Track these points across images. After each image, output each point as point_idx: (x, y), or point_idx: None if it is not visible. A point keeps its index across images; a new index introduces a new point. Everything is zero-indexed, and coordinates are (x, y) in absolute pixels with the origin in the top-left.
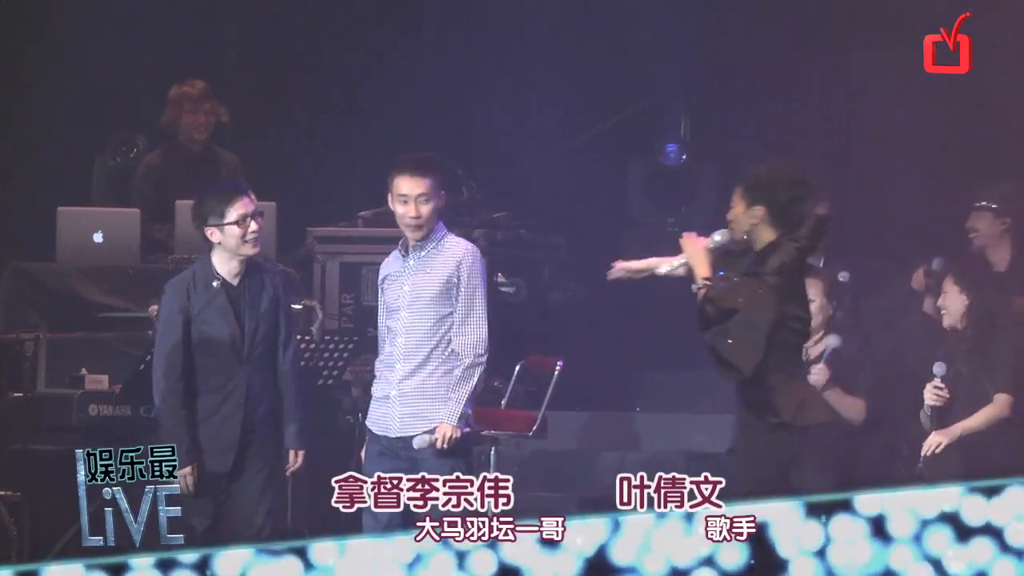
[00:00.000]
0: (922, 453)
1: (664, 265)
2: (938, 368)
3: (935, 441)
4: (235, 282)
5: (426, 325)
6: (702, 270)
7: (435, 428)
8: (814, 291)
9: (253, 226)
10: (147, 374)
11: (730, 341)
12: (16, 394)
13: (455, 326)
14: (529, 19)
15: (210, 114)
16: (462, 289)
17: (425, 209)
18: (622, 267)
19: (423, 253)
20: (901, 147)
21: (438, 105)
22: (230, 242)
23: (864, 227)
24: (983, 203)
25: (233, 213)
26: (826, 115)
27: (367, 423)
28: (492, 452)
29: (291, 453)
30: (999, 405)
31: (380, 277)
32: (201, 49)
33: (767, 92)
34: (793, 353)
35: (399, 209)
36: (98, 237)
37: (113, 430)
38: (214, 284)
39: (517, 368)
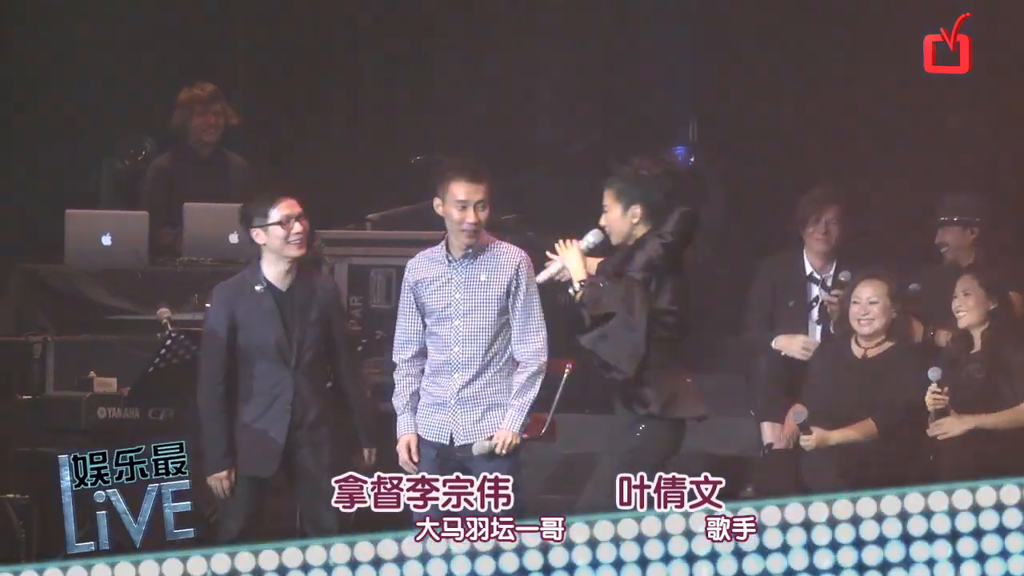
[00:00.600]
0: (936, 435)
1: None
2: (933, 373)
3: (949, 424)
4: (283, 287)
5: (486, 335)
6: (579, 273)
7: (493, 435)
8: (879, 293)
9: (297, 227)
10: (156, 377)
11: (609, 343)
12: (24, 396)
13: (516, 333)
14: (537, 21)
15: (220, 116)
16: (520, 296)
17: (484, 215)
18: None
19: (473, 261)
20: (906, 147)
21: (446, 108)
22: (274, 243)
23: (867, 227)
24: (947, 218)
25: (276, 214)
26: (834, 116)
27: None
28: None
29: (364, 452)
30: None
31: (412, 280)
32: (211, 52)
33: (775, 94)
34: (665, 347)
35: (455, 215)
36: (106, 240)
37: (122, 433)
38: (257, 288)
39: None
